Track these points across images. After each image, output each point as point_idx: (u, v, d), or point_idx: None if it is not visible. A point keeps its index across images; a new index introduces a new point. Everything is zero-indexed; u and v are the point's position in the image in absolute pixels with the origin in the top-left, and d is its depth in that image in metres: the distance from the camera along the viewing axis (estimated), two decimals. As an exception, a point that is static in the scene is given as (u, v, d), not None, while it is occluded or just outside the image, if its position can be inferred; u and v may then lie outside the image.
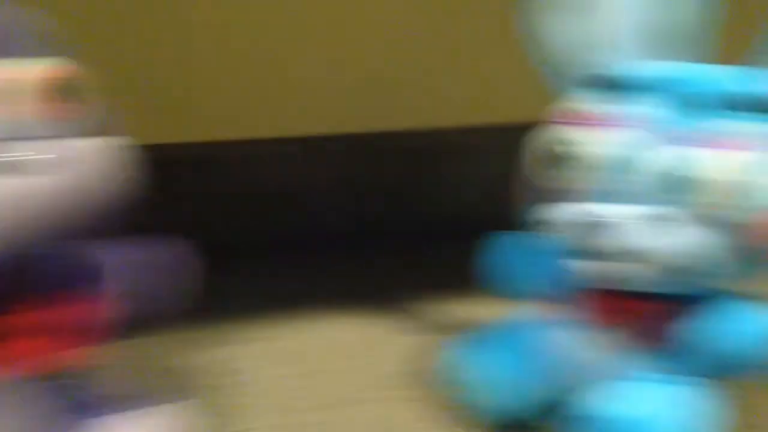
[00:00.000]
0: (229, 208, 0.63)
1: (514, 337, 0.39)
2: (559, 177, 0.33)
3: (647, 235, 0.32)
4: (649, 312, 0.36)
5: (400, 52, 0.61)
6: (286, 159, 0.62)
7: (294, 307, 0.55)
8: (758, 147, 0.30)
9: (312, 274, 0.60)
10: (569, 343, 0.38)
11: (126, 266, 0.22)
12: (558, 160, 0.33)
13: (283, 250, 0.63)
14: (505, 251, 0.42)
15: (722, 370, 0.36)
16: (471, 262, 0.41)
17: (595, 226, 0.32)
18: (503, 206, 0.43)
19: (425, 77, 0.63)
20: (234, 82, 0.58)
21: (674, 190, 0.30)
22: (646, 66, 0.34)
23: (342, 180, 0.65)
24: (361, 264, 0.62)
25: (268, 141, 0.62)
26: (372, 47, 0.60)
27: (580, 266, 0.34)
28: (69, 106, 0.22)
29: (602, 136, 0.33)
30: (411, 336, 0.48)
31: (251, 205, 0.63)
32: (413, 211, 0.68)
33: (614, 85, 0.34)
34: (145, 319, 0.22)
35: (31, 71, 0.21)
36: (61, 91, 0.21)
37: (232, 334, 0.49)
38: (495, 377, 0.38)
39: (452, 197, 0.69)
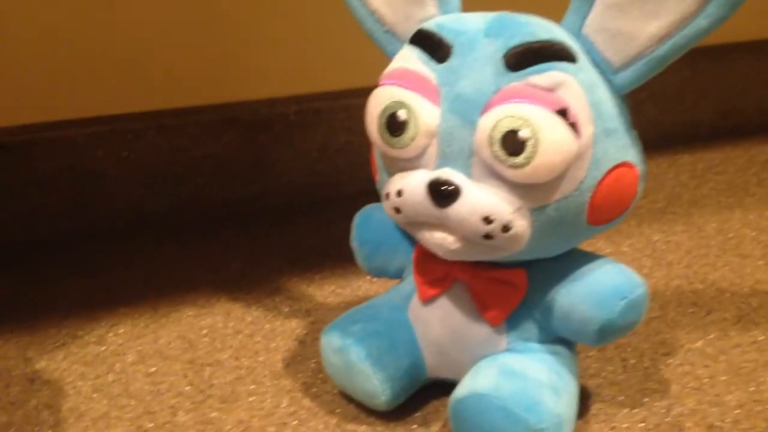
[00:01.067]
0: (29, 194, 0.59)
1: (384, 318, 0.39)
2: (395, 143, 0.33)
3: (460, 200, 0.32)
4: (484, 280, 0.36)
5: (227, 22, 0.60)
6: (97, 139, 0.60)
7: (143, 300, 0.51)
8: (545, 99, 0.30)
9: (145, 262, 0.56)
10: (432, 320, 0.38)
11: None
12: (391, 126, 0.33)
13: (97, 239, 0.60)
14: (362, 226, 0.43)
15: (573, 336, 0.36)
16: (330, 236, 0.41)
17: (424, 194, 0.32)
18: (359, 175, 0.42)
19: (249, 48, 0.61)
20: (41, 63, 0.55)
21: (505, 151, 0.30)
22: (456, 20, 0.33)
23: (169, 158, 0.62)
24: (197, 246, 0.58)
25: (77, 122, 0.60)
26: (197, 20, 0.59)
27: (417, 236, 0.35)
28: None
29: (428, 99, 0.32)
30: (282, 321, 0.48)
31: (56, 191, 0.60)
32: (255, 187, 0.65)
33: (434, 42, 0.33)
34: None
35: None
36: None
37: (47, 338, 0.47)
38: (371, 362, 0.38)
39: (305, 169, 0.66)
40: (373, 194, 0.39)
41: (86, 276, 0.55)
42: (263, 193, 0.66)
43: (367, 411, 0.39)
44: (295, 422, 0.40)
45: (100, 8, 0.57)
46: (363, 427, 0.39)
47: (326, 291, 0.52)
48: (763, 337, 0.45)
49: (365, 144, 0.37)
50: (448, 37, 0.33)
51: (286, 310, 0.50)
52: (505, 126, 0.30)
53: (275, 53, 0.63)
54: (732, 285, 0.51)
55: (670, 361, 0.43)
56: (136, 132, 0.61)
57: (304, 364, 0.44)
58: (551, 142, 0.30)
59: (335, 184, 0.66)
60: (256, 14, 0.62)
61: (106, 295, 0.52)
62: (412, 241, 0.40)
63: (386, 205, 0.35)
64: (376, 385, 0.38)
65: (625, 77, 0.32)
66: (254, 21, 0.62)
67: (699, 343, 0.45)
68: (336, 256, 0.43)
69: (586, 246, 0.37)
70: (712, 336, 0.45)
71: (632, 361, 0.43)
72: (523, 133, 0.30)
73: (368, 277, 0.44)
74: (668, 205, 0.65)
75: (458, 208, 0.32)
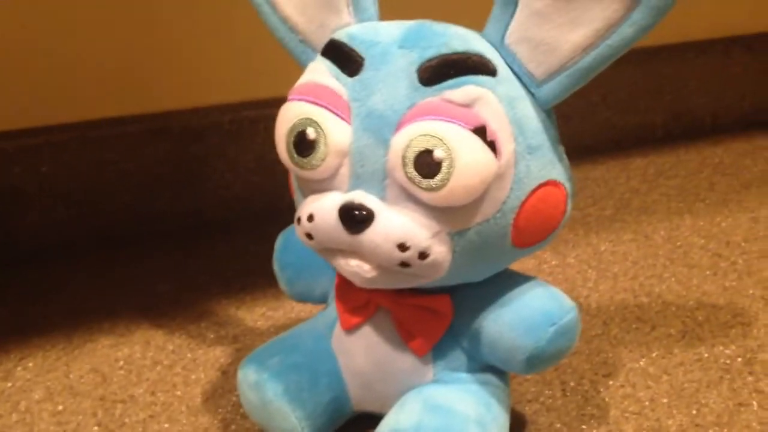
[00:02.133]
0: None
1: (305, 349, 0.36)
2: (304, 164, 0.30)
3: (374, 224, 0.29)
4: (406, 307, 0.34)
5: (154, 27, 0.56)
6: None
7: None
8: (461, 116, 0.28)
9: (63, 286, 0.52)
10: (356, 349, 0.35)
11: None
12: (300, 145, 0.30)
13: (12, 263, 0.55)
14: (284, 248, 0.40)
15: (502, 364, 0.34)
16: (266, 253, 0.39)
17: (335, 219, 0.29)
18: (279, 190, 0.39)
19: (179, 55, 0.58)
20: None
21: (419, 173, 0.28)
22: (367, 30, 0.31)
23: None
24: (123, 267, 0.54)
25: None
26: (121, 26, 0.55)
27: (333, 263, 0.32)
28: None
29: (339, 116, 0.30)
30: (205, 350, 0.45)
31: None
32: (181, 201, 0.61)
33: (344, 54, 0.30)
34: None
35: None
36: None
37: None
38: (288, 399, 0.35)
39: (241, 181, 0.63)
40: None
41: (-2, 303, 0.51)
42: (197, 208, 0.62)
43: (289, 449, 0.37)
44: (210, 464, 0.37)
45: (13, 14, 0.54)
46: (283, 468, 0.36)
47: (256, 314, 0.49)
48: (707, 355, 0.43)
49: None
50: (359, 48, 0.31)
51: (212, 336, 0.47)
52: (419, 145, 0.28)
53: (206, 60, 0.60)
54: (678, 298, 0.49)
55: (611, 382, 0.41)
56: (57, 145, 0.57)
57: (225, 398, 0.41)
58: (468, 162, 0.28)
59: (274, 196, 0.63)
60: (186, 19, 0.58)
61: (18, 324, 0.48)
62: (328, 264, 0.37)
63: (298, 231, 0.32)
64: (294, 423, 0.35)
65: (548, 90, 0.30)
66: (185, 26, 0.59)
67: (641, 362, 0.43)
68: (270, 275, 0.40)
69: (532, 258, 0.35)
70: (655, 354, 0.44)
71: (572, 384, 0.41)
72: (437, 153, 0.28)
73: (292, 300, 0.42)
74: (617, 212, 0.63)
75: (371, 235, 0.29)
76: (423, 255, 0.29)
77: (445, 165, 0.28)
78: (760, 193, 0.65)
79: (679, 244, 0.57)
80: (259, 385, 0.35)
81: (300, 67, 0.34)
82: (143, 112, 0.60)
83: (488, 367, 0.35)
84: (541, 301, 0.33)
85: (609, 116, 0.77)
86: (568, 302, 0.33)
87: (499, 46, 0.30)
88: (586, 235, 0.59)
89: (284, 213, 0.38)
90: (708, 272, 0.53)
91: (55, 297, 0.52)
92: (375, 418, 0.35)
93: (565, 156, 0.32)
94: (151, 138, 0.59)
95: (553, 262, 0.54)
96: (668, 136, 0.79)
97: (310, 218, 0.31)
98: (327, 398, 0.36)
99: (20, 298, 0.52)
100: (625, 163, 0.73)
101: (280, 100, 0.31)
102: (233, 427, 0.39)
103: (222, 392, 0.41)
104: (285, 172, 0.33)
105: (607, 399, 0.40)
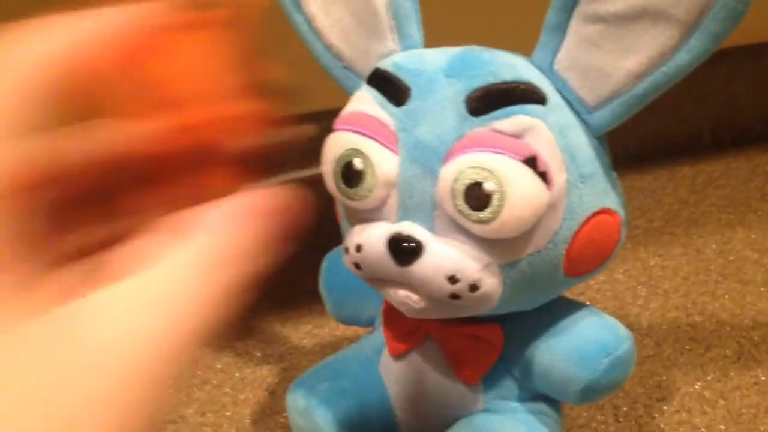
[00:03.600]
0: None
1: (353, 374, 0.36)
2: (352, 195, 0.30)
3: (426, 254, 0.29)
4: (454, 337, 0.33)
5: None
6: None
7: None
8: (511, 147, 0.27)
9: None
10: (404, 376, 0.35)
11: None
12: (347, 176, 0.30)
13: None
14: (330, 270, 0.40)
15: (555, 394, 0.33)
16: (310, 270, 0.39)
17: (384, 250, 0.29)
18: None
19: None
20: None
21: (469, 206, 0.27)
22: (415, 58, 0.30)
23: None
24: None
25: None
26: None
27: (381, 293, 0.32)
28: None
29: (386, 146, 0.29)
30: (253, 369, 0.45)
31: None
32: None
33: (391, 84, 0.30)
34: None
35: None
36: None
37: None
38: (337, 426, 0.35)
39: None
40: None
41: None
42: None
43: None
44: (260, 488, 0.37)
45: None
46: (332, 494, 0.36)
47: (301, 332, 0.49)
48: (764, 378, 0.42)
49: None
50: (405, 77, 0.30)
51: (258, 354, 0.47)
52: (469, 178, 0.28)
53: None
54: (732, 316, 0.48)
55: (666, 407, 0.40)
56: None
57: (274, 419, 0.41)
58: (519, 194, 0.27)
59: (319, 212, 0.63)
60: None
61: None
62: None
63: (346, 260, 0.32)
64: (344, 447, 0.35)
65: (601, 117, 0.29)
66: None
67: (697, 386, 0.42)
68: (314, 292, 0.40)
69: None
70: (710, 377, 0.42)
71: (624, 409, 0.40)
72: (487, 186, 0.27)
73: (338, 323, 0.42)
74: (666, 224, 0.61)
75: (421, 267, 0.29)
76: (473, 287, 0.29)
77: (495, 197, 0.27)
78: (817, 202, 0.63)
79: (731, 258, 0.55)
80: (308, 411, 0.35)
81: (344, 92, 0.34)
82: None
83: (540, 395, 0.34)
84: (596, 330, 0.32)
85: (655, 123, 0.75)
86: (623, 332, 0.32)
87: (549, 72, 0.30)
88: (634, 248, 0.57)
89: (329, 229, 0.38)
90: (762, 289, 0.51)
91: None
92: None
93: (618, 182, 0.31)
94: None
95: (601, 278, 0.53)
96: (717, 144, 0.77)
97: (358, 249, 0.31)
98: (376, 425, 0.36)
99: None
100: (673, 172, 0.71)
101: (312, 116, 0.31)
102: (282, 451, 0.39)
103: (270, 413, 0.42)
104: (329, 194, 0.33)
105: (662, 425, 0.39)
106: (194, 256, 0.16)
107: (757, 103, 0.77)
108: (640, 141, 0.79)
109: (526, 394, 0.34)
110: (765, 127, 0.78)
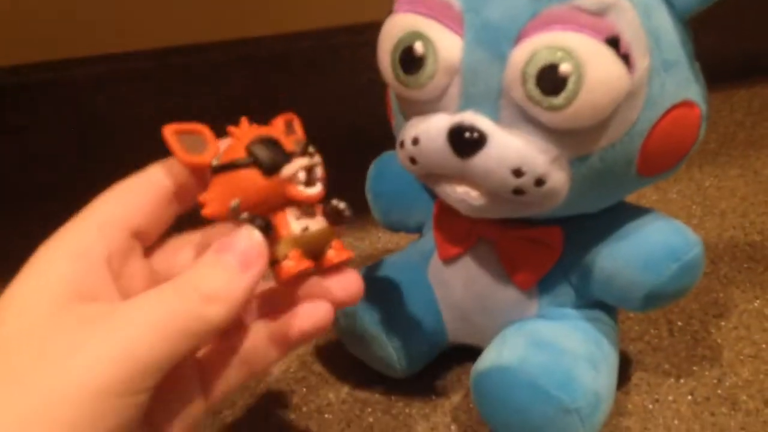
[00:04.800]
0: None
1: (400, 279, 0.35)
2: (410, 82, 0.28)
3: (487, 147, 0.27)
4: (512, 239, 0.31)
5: None
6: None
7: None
8: (592, 25, 0.25)
9: None
10: (454, 281, 0.34)
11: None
12: (406, 62, 0.27)
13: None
14: (378, 176, 0.38)
15: (615, 301, 0.32)
16: (348, 184, 0.37)
17: (443, 142, 0.27)
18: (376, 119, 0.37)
19: None
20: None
21: (541, 90, 0.25)
22: None
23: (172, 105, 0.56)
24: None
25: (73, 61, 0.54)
26: None
27: (437, 190, 0.30)
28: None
29: (445, 29, 0.27)
30: None
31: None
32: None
33: None
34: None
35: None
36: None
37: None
38: (384, 328, 0.34)
39: (316, 112, 0.59)
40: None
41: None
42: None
43: (383, 378, 0.36)
44: (303, 389, 0.37)
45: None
46: (376, 396, 0.36)
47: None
48: (829, 298, 0.40)
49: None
50: (475, -50, 0.28)
51: (299, 264, 0.46)
52: (543, 59, 0.25)
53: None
54: (794, 237, 0.46)
55: (723, 323, 0.39)
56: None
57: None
58: (598, 78, 0.25)
59: (357, 125, 0.61)
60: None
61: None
62: (433, 193, 0.35)
63: (401, 155, 0.30)
64: (390, 352, 0.34)
65: (692, -3, 0.27)
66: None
67: (756, 303, 0.40)
68: (355, 203, 0.39)
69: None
70: (770, 295, 0.41)
71: (679, 324, 0.39)
72: (564, 68, 0.25)
73: (387, 230, 0.40)
74: (721, 146, 0.58)
75: (484, 159, 0.27)
76: (539, 182, 0.27)
77: (571, 81, 0.25)
78: None
79: (792, 180, 0.52)
80: (353, 313, 0.34)
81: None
82: (225, 39, 0.58)
83: (597, 303, 0.33)
84: (663, 234, 0.30)
85: (710, 43, 0.71)
86: (692, 236, 0.30)
87: (634, -54, 0.27)
88: (688, 169, 0.55)
89: (369, 143, 0.36)
90: (827, 210, 0.48)
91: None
92: (472, 351, 0.34)
93: (701, 74, 0.29)
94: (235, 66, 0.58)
95: (654, 197, 0.51)
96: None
97: (415, 141, 0.29)
98: (423, 328, 0.35)
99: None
100: (728, 95, 0.67)
101: (362, 26, 0.29)
102: (326, 354, 0.39)
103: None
104: (372, 105, 0.31)
105: (719, 341, 0.38)
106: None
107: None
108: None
109: (582, 301, 0.33)
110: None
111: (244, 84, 0.59)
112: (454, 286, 0.34)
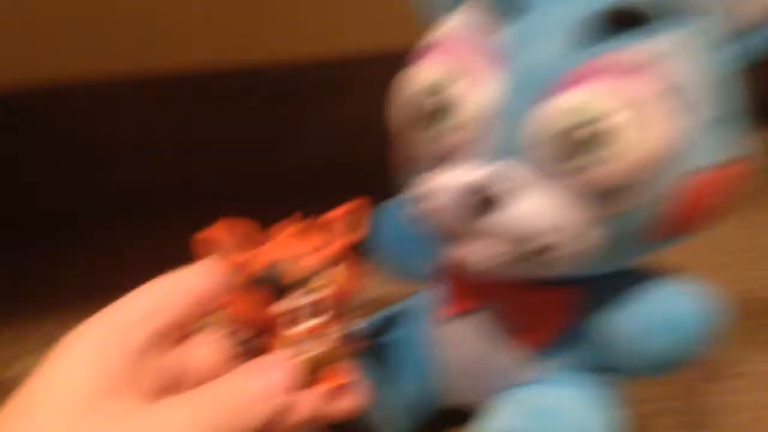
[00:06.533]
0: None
1: (393, 335, 0.33)
2: (429, 132, 0.26)
3: (507, 205, 0.25)
4: (524, 298, 0.30)
5: None
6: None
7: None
8: (634, 79, 0.23)
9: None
10: (453, 339, 0.32)
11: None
12: (428, 114, 0.25)
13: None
14: (384, 223, 0.35)
15: (624, 368, 0.30)
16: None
17: (459, 199, 0.25)
18: (382, 153, 0.35)
19: (273, 4, 0.52)
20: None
21: (572, 149, 0.23)
22: None
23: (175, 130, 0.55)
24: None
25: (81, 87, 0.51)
26: None
27: (447, 247, 0.28)
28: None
29: (478, 75, 0.25)
30: None
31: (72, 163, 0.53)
32: (269, 164, 0.57)
33: (498, 2, 0.25)
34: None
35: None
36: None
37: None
38: (382, 389, 0.32)
39: (320, 145, 0.57)
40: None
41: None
42: (284, 169, 0.58)
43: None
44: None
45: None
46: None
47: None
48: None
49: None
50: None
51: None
52: (574, 116, 0.23)
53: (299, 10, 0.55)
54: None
55: (740, 384, 0.37)
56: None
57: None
58: (635, 136, 0.23)
59: (364, 160, 0.58)
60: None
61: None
62: (438, 247, 0.33)
63: (412, 210, 0.28)
64: (379, 414, 0.32)
65: (740, 49, 0.25)
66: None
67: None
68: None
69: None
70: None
71: (697, 384, 0.37)
72: (600, 125, 0.23)
73: (388, 277, 0.38)
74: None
75: (502, 218, 0.25)
76: (561, 245, 0.25)
77: (606, 140, 0.23)
78: None
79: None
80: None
81: (418, 18, 0.29)
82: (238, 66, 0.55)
83: (604, 366, 0.31)
84: (680, 301, 0.28)
85: None
86: (710, 303, 0.28)
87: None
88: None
89: (376, 179, 0.34)
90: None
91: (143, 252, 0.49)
92: (461, 415, 0.32)
93: (748, 129, 0.27)
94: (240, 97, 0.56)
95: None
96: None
97: (429, 196, 0.27)
98: (414, 389, 0.32)
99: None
100: None
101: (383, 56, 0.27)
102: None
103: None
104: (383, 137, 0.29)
105: (737, 401, 0.36)
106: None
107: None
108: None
109: (588, 365, 0.31)
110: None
111: (253, 112, 0.56)
112: (452, 345, 0.32)
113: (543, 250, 0.25)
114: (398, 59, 0.27)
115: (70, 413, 0.20)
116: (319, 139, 0.58)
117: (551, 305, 0.30)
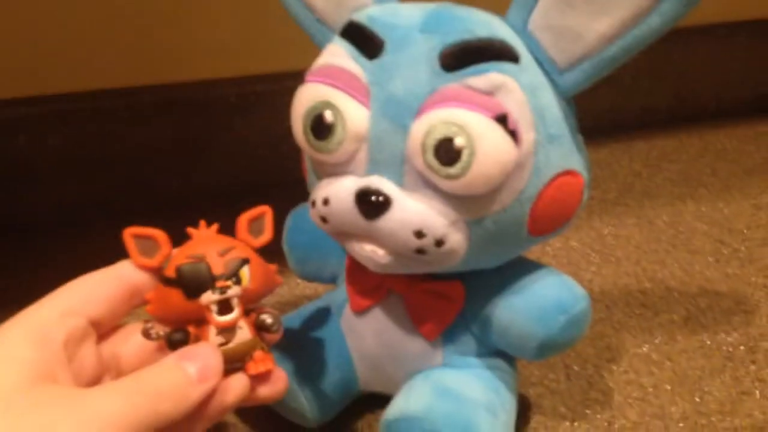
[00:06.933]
0: None
1: (314, 329, 0.37)
2: (321, 147, 0.30)
3: (390, 210, 0.29)
4: (419, 292, 0.34)
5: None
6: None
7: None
8: (483, 104, 0.28)
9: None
10: (365, 332, 0.35)
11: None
12: (317, 128, 0.30)
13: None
14: (294, 228, 0.39)
15: (512, 350, 0.34)
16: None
17: (351, 204, 0.29)
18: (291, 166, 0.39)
19: (185, 25, 0.56)
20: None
21: (439, 161, 0.28)
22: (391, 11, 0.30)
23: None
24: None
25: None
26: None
27: (347, 247, 0.32)
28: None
29: (357, 99, 0.29)
30: None
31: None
32: (191, 175, 0.61)
33: (365, 37, 0.30)
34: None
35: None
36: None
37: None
38: (297, 379, 0.35)
39: (237, 157, 0.61)
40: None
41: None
42: (202, 182, 0.62)
43: (295, 428, 0.37)
44: (218, 441, 0.37)
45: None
46: (290, 447, 0.37)
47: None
48: (710, 342, 0.44)
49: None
50: (380, 31, 0.30)
51: (217, 312, 0.47)
52: (439, 133, 0.28)
53: (213, 31, 0.59)
54: (681, 284, 0.50)
55: (615, 367, 0.42)
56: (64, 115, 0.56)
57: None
58: (488, 151, 0.27)
59: (281, 170, 0.62)
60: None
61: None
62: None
63: (312, 214, 0.32)
64: (302, 402, 0.35)
65: (570, 78, 0.30)
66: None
67: (645, 348, 0.43)
68: (275, 251, 0.40)
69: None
70: (658, 340, 0.44)
71: (576, 368, 0.42)
72: (458, 142, 0.27)
73: (299, 279, 0.42)
74: (620, 196, 0.63)
75: (388, 221, 0.29)
76: (439, 243, 0.29)
77: (465, 153, 0.27)
78: (763, 180, 0.65)
79: (681, 229, 0.57)
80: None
81: (315, 46, 0.34)
82: (151, 83, 0.58)
83: (497, 351, 0.35)
84: (554, 289, 0.33)
85: (613, 98, 0.77)
86: (580, 291, 0.33)
87: (522, 31, 0.30)
88: (589, 218, 0.59)
89: (291, 188, 0.37)
90: (710, 258, 0.53)
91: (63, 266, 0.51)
92: (382, 399, 0.36)
93: (583, 146, 0.32)
94: (158, 110, 0.59)
95: (557, 245, 0.55)
96: (671, 120, 0.79)
97: (326, 202, 0.31)
98: (335, 378, 0.36)
99: (25, 269, 0.52)
100: (628, 146, 0.73)
101: (290, 75, 0.31)
102: (241, 404, 0.39)
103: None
104: (295, 148, 0.32)
105: (610, 384, 0.41)
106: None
107: (711, 82, 0.79)
108: (596, 115, 0.80)
109: (483, 350, 0.35)
110: (718, 105, 0.80)
111: (165, 128, 0.59)
112: (365, 336, 0.36)
113: (423, 249, 0.29)
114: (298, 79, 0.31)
115: (18, 396, 0.21)
116: (232, 147, 0.62)
117: (442, 298, 0.34)
